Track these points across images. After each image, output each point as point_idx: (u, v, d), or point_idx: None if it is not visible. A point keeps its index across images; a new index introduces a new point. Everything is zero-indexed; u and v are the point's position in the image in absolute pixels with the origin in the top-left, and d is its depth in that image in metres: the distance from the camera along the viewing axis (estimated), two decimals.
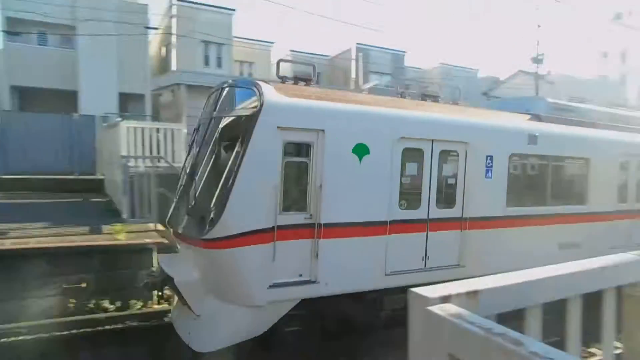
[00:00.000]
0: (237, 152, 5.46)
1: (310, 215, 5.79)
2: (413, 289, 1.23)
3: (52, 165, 15.76)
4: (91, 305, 8.08)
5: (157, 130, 12.73)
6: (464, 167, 7.01)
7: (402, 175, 6.47)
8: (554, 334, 1.74)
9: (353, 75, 22.26)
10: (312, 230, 5.76)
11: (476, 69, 40.40)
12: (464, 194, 6.99)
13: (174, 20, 23.19)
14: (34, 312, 7.53)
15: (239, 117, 5.84)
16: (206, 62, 24.29)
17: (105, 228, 9.38)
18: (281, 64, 6.60)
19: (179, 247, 6.70)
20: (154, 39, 25.26)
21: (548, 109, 8.95)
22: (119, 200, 11.04)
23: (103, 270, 8.32)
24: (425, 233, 6.65)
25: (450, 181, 7.00)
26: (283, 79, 6.46)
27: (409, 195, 6.61)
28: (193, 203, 6.13)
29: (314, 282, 5.79)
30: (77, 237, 8.74)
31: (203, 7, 23.58)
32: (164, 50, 25.55)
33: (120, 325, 7.53)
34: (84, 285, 8.06)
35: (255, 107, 5.49)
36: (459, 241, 6.96)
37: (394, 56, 30.71)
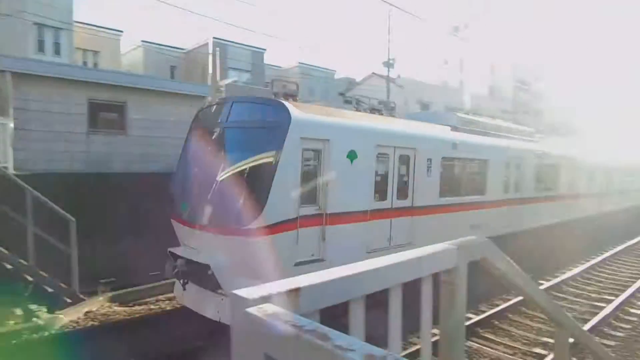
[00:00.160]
0: (270, 158, 6.71)
1: (319, 207, 7.29)
2: (234, 291, 1.21)
3: None
4: None
5: None
6: (413, 168, 9.04)
7: (375, 174, 8.28)
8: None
9: (210, 70, 21.70)
10: (321, 219, 7.26)
11: (333, 70, 42.17)
12: (413, 188, 9.04)
13: None
14: None
15: (266, 128, 7.13)
16: (40, 48, 21.67)
17: None
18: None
19: (186, 237, 7.55)
20: None
21: (458, 122, 11.45)
22: None
23: None
24: (389, 220, 8.52)
25: (404, 179, 8.98)
26: (276, 95, 7.83)
27: (380, 189, 8.41)
28: (222, 200, 6.99)
29: (322, 260, 7.22)
30: None
31: None
32: None
33: None
34: None
35: (285, 121, 6.81)
36: (410, 225, 8.95)
37: (253, 53, 30.63)
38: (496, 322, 9.19)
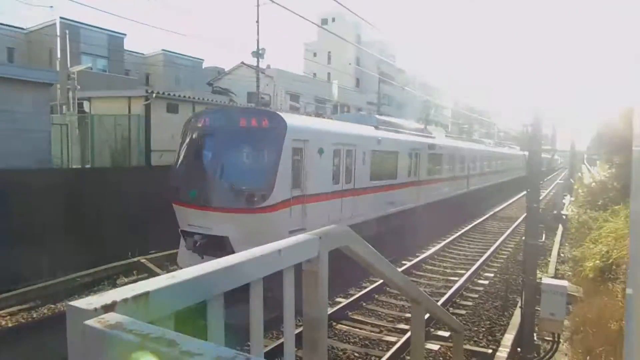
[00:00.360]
0: (272, 154, 9.03)
1: (301, 190, 9.58)
2: (70, 303, 1.08)
3: None
4: None
5: None
6: (354, 159, 11.69)
7: (333, 165, 10.86)
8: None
9: (59, 55, 19.53)
10: (303, 198, 9.59)
11: (201, 58, 40.72)
12: (355, 174, 11.68)
13: None
14: None
15: (269, 131, 9.16)
16: None
17: None
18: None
19: (196, 218, 9.15)
20: None
21: (378, 122, 14.32)
22: None
23: None
24: (341, 198, 11.12)
25: (350, 168, 11.56)
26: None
27: (335, 176, 11.00)
28: (229, 182, 9.08)
29: (304, 229, 8.53)
30: None
31: None
32: None
33: None
34: None
35: (282, 127, 9.13)
36: (353, 201, 11.57)
37: (110, 38, 28.24)
38: (364, 304, 9.75)
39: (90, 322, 1.01)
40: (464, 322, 8.82)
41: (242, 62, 35.22)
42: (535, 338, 7.30)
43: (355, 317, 9.06)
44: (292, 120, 9.77)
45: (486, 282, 11.65)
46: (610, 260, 9.43)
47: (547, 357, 7.24)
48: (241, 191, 8.87)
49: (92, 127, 15.29)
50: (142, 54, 35.54)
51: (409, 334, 7.84)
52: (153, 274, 11.53)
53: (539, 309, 7.11)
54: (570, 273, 11.48)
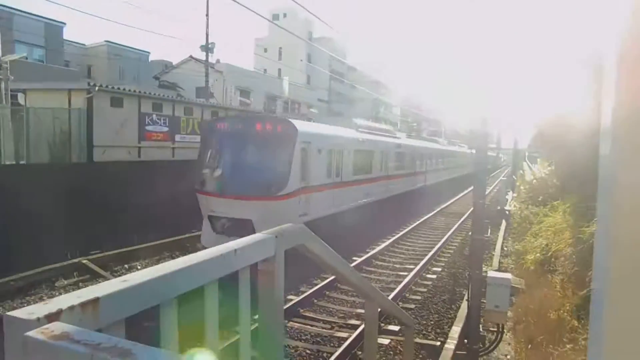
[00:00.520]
0: (287, 153, 10.89)
1: (306, 182, 11.48)
2: (9, 313, 0.99)
3: None
4: None
5: None
6: (342, 158, 13.82)
7: (327, 162, 12.92)
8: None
9: None
10: (307, 189, 11.50)
11: (147, 51, 39.44)
12: (342, 170, 13.80)
13: None
14: None
15: (284, 135, 11.05)
16: None
17: None
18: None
19: (220, 205, 10.82)
20: None
21: (357, 126, 16.47)
22: None
23: None
24: (333, 190, 13.16)
25: (339, 164, 13.62)
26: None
27: (329, 171, 13.06)
28: (252, 176, 10.65)
29: (307, 214, 11.48)
30: None
31: None
32: None
33: None
34: None
35: (294, 132, 11.07)
36: (341, 192, 13.64)
37: (48, 26, 26.70)
38: (315, 301, 9.77)
39: (32, 333, 0.92)
40: (413, 316, 9.03)
41: (191, 56, 34.37)
42: (481, 329, 7.56)
43: (307, 314, 9.06)
44: (301, 126, 11.73)
45: (434, 276, 11.98)
46: (550, 253, 9.92)
47: (492, 347, 7.52)
48: (262, 183, 10.64)
49: (28, 121, 14.43)
50: (84, 44, 33.95)
51: (360, 329, 7.95)
52: (95, 276, 11.06)
53: (484, 301, 7.36)
54: (512, 266, 12.00)
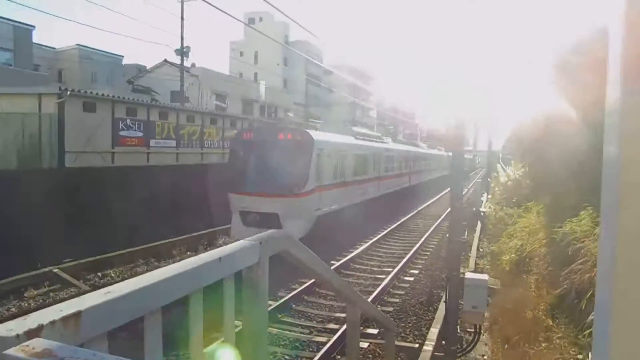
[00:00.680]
0: (306, 158, 13.01)
1: (319, 182, 13.51)
2: None
3: None
4: None
5: None
6: (344, 161, 15.96)
7: (334, 164, 14.97)
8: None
9: None
10: (319, 188, 13.49)
11: (121, 55, 38.81)
12: (345, 172, 15.85)
13: None
14: None
15: (303, 143, 13.25)
16: None
17: None
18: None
19: (250, 202, 12.99)
20: None
21: (355, 133, 19.19)
22: None
23: None
24: (339, 188, 15.21)
25: (342, 167, 15.71)
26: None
27: (336, 172, 15.09)
28: (277, 177, 12.70)
29: (320, 209, 13.61)
30: None
31: None
32: None
33: None
34: None
35: (311, 140, 13.30)
36: (344, 191, 15.73)
37: (16, 29, 26.00)
38: (293, 305, 9.72)
39: (11, 351, 0.89)
40: (394, 316, 9.06)
41: (165, 60, 33.94)
42: (458, 330, 7.64)
43: (286, 319, 9.01)
44: (316, 135, 14.04)
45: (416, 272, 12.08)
46: (525, 254, 10.12)
47: (470, 347, 7.60)
48: (286, 183, 12.66)
49: None
50: (54, 48, 33.21)
51: (339, 333, 7.95)
52: (67, 285, 10.77)
53: (462, 302, 7.45)
54: (488, 267, 12.18)
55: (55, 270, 11.08)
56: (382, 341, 7.60)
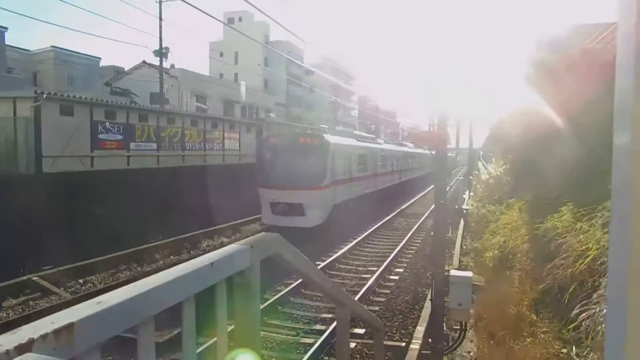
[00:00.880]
0: (324, 158, 15.84)
1: (333, 177, 16.29)
2: None
3: None
4: None
5: None
6: (351, 160, 18.73)
7: (344, 163, 17.81)
8: None
9: None
10: (333, 183, 16.25)
11: (98, 57, 38.19)
12: (351, 169, 18.59)
13: None
14: None
15: (321, 145, 16.14)
16: None
17: None
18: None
19: (279, 195, 15.78)
20: None
21: (357, 136, 22.81)
22: None
23: None
24: (348, 184, 18.12)
25: (349, 165, 18.48)
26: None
27: (345, 170, 17.84)
28: (301, 173, 15.55)
29: (334, 200, 16.50)
30: None
31: None
32: None
33: None
34: None
35: (328, 143, 16.33)
36: (351, 185, 18.52)
37: None
38: (279, 307, 9.67)
39: None
40: (380, 315, 9.08)
41: (144, 61, 33.49)
42: (444, 328, 7.69)
43: (272, 321, 8.95)
44: (331, 139, 17.01)
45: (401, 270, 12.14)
46: (507, 250, 10.23)
47: (456, 345, 7.66)
48: (309, 178, 15.52)
49: None
50: (28, 50, 32.51)
51: (325, 334, 7.94)
52: (47, 293, 10.54)
53: (447, 300, 7.49)
54: (472, 264, 12.29)
55: (35, 279, 10.84)
56: (370, 341, 7.62)
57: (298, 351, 7.78)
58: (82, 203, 13.89)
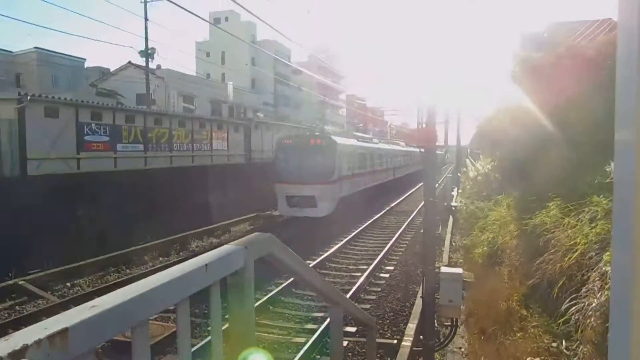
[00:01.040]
0: (332, 157, 18.56)
1: (340, 173, 18.97)
2: None
3: None
4: None
5: None
6: (353, 159, 21.36)
7: (349, 160, 20.68)
8: None
9: None
10: (341, 178, 19.16)
11: (82, 58, 37.74)
12: (353, 166, 21.16)
13: None
14: None
15: (329, 145, 18.86)
16: None
17: None
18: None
19: (294, 189, 18.17)
20: None
21: (357, 137, 25.76)
22: None
23: None
24: (354, 178, 21.17)
25: (352, 162, 21.09)
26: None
27: (350, 166, 20.77)
28: (312, 170, 18.03)
29: (341, 193, 19.11)
30: None
31: None
32: None
33: None
34: None
35: (335, 144, 19.03)
36: (355, 180, 21.45)
37: None
38: (270, 307, 9.65)
39: None
40: (371, 312, 9.10)
41: (130, 62, 33.16)
42: (435, 324, 7.72)
43: (264, 321, 8.92)
44: (338, 140, 19.56)
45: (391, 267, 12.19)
46: (496, 246, 10.31)
47: (447, 341, 7.70)
48: (320, 174, 17.86)
49: None
50: (11, 51, 32.04)
51: (317, 333, 7.93)
52: (34, 297, 10.39)
53: (438, 297, 7.52)
54: (462, 260, 12.37)
55: (21, 283, 10.68)
56: (362, 339, 7.64)
57: (290, 350, 7.76)
58: (69, 206, 13.71)
